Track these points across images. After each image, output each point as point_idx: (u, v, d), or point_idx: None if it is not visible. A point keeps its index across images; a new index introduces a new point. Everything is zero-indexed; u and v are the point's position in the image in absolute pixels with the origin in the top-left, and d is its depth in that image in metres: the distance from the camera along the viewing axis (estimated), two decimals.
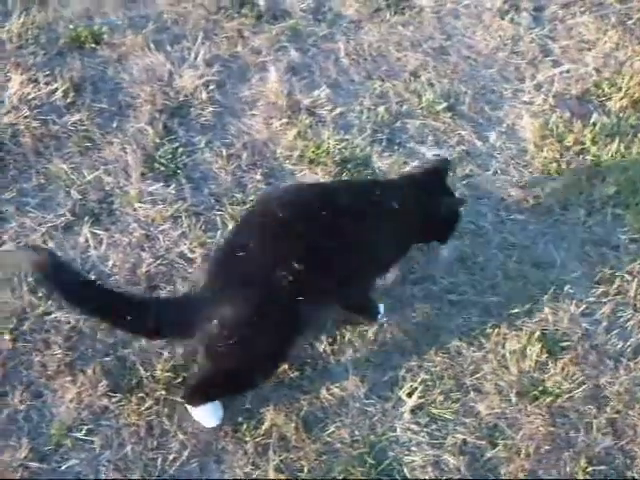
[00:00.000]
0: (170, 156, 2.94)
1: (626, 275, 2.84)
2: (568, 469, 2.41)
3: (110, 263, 2.66)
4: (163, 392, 2.38)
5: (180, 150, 2.97)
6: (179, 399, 2.36)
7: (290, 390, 2.47)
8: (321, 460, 2.34)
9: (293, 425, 2.38)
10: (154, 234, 2.75)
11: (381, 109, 3.20)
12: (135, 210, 2.79)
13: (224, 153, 2.99)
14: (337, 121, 3.15)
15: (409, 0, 3.66)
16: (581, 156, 3.16)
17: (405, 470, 2.35)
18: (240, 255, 2.19)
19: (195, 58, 3.27)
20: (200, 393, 2.32)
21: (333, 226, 2.25)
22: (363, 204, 2.39)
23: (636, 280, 2.82)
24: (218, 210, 2.82)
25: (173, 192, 2.85)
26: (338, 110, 3.18)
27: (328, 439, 2.39)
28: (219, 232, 2.74)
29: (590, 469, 2.40)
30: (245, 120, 3.13)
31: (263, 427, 2.37)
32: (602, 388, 2.58)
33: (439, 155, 3.05)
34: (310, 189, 2.49)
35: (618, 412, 2.53)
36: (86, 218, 2.74)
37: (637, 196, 3.05)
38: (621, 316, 2.74)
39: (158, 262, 2.67)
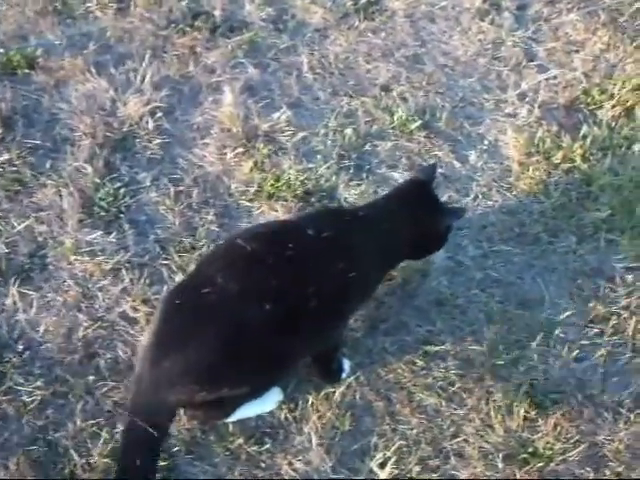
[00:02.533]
0: (111, 198, 2.65)
1: (622, 311, 2.55)
2: None
3: (42, 328, 2.38)
4: None
5: (122, 190, 2.68)
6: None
7: (247, 467, 2.19)
8: None
9: None
10: (92, 292, 2.46)
11: (348, 131, 2.90)
12: (71, 264, 2.51)
13: (172, 191, 2.70)
14: (299, 148, 2.85)
15: (380, 4, 3.34)
16: (570, 174, 2.86)
17: None
18: (205, 292, 2.00)
19: (142, 81, 2.97)
20: (214, 421, 2.22)
21: (309, 257, 2.09)
22: (341, 232, 2.19)
23: (634, 317, 2.52)
24: (164, 259, 2.53)
25: (114, 240, 2.56)
26: (300, 135, 2.88)
27: None
28: (165, 287, 2.45)
29: None
30: (196, 151, 2.84)
31: None
32: (600, 446, 2.29)
33: None
34: (281, 223, 2.35)
35: (618, 475, 2.24)
36: (14, 277, 2.45)
37: (632, 219, 2.76)
38: (619, 359, 2.45)
39: (97, 325, 2.39)
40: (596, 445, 2.29)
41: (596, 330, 2.50)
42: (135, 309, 2.41)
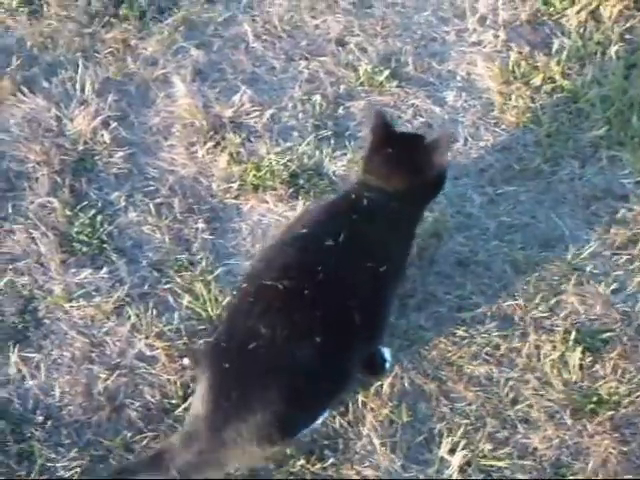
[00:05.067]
0: (89, 229, 2.40)
1: None
2: None
3: (57, 391, 2.15)
4: None
5: (99, 218, 2.43)
6: None
7: None
8: None
9: None
10: (99, 338, 2.23)
11: (316, 98, 2.70)
12: (67, 312, 2.27)
13: (151, 206, 2.46)
14: (271, 128, 2.63)
15: None
16: (555, 95, 2.72)
17: None
18: (252, 348, 1.85)
19: (82, 90, 2.69)
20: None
21: (340, 272, 1.94)
22: (358, 230, 2.02)
23: None
24: (165, 284, 2.32)
25: (106, 276, 2.33)
26: (268, 113, 2.66)
27: None
28: (176, 314, 2.24)
29: None
30: (164, 155, 2.59)
31: None
32: None
33: None
34: (294, 246, 2.02)
35: None
36: (10, 342, 2.21)
37: (630, 129, 2.64)
38: None
39: (115, 373, 2.17)
40: None
41: (625, 257, 2.40)
42: (151, 346, 2.20)
